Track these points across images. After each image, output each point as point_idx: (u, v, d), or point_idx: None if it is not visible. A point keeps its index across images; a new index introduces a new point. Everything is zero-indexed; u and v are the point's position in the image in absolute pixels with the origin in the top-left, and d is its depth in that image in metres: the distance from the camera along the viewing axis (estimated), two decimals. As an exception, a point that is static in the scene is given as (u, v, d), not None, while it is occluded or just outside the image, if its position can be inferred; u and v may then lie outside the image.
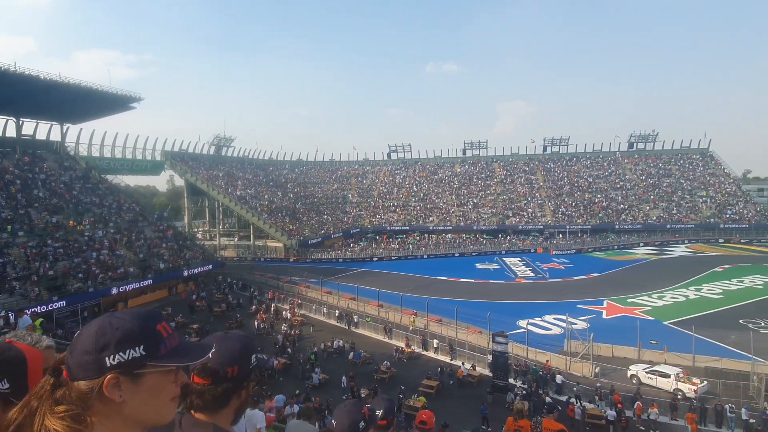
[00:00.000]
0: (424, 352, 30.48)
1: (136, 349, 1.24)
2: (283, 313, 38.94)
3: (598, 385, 23.62)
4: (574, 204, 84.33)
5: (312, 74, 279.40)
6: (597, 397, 22.72)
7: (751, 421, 19.80)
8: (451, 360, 28.78)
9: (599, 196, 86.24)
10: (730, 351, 27.86)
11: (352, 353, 29.12)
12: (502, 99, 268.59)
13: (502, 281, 52.35)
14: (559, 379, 24.38)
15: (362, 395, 22.94)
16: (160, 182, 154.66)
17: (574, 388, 23.21)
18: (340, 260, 66.51)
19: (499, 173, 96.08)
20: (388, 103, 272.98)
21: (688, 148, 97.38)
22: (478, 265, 61.61)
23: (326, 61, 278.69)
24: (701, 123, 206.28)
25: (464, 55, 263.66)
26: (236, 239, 76.33)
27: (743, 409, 20.51)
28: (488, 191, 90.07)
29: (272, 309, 40.09)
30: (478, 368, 26.64)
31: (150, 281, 41.83)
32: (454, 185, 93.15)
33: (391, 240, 78.20)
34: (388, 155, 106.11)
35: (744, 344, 27.15)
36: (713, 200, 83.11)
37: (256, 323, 35.79)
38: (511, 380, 25.12)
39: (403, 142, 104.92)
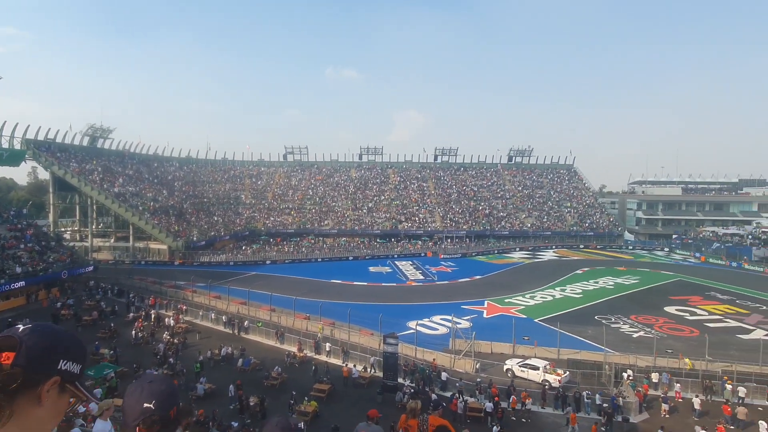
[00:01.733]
0: (317, 356, 30.44)
1: (77, 365, 1.31)
2: (166, 320, 36.31)
3: (479, 380, 25.50)
4: (460, 211, 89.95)
5: (205, 69, 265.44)
6: (477, 391, 24.50)
7: (604, 405, 22.76)
8: (344, 363, 29.12)
9: (483, 204, 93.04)
10: (587, 344, 31.71)
11: (241, 360, 28.11)
12: (398, 108, 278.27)
13: (394, 284, 54.08)
14: (444, 376, 25.88)
15: (251, 403, 22.31)
16: (19, 174, 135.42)
17: (457, 384, 24.80)
18: (231, 263, 63.77)
19: (394, 179, 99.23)
20: (286, 105, 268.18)
21: (557, 164, 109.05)
22: (372, 269, 62.94)
23: (221, 57, 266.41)
24: (568, 142, 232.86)
25: (364, 62, 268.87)
26: (112, 240, 69.40)
27: (597, 395, 23.52)
28: (383, 196, 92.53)
29: (153, 316, 37.14)
30: (369, 369, 27.31)
31: (3, 287, 36.49)
32: (350, 189, 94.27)
33: (285, 243, 76.77)
34: (284, 157, 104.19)
35: (598, 337, 31.15)
36: (576, 210, 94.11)
37: (133, 332, 32.91)
38: (400, 380, 26.10)
39: (300, 145, 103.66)
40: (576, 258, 73.48)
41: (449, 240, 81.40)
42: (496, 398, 22.69)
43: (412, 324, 33.51)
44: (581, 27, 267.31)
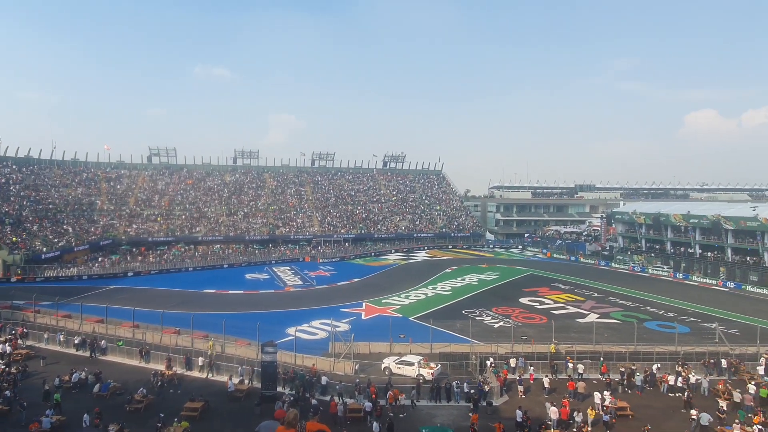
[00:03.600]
0: (189, 372, 28.54)
1: None
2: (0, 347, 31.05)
3: (357, 380, 26.10)
4: (338, 215, 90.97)
5: (48, 48, 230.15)
6: (357, 392, 25.08)
7: (471, 392, 24.81)
8: (213, 376, 27.71)
9: (359, 208, 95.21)
10: (456, 337, 34.24)
11: (98, 385, 25.19)
12: (274, 110, 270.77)
13: (272, 291, 52.83)
14: (324, 380, 26.02)
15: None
16: None
17: (337, 387, 25.14)
18: (85, 277, 56.65)
19: (270, 184, 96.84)
20: (149, 102, 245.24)
21: (427, 170, 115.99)
22: (248, 276, 60.74)
23: (66, 38, 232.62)
24: (437, 149, 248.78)
25: (236, 62, 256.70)
26: None
27: (465, 384, 25.57)
28: (259, 201, 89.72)
29: (-19, 344, 31.45)
30: (247, 381, 26.38)
31: None
32: (224, 194, 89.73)
33: (150, 252, 70.41)
34: (149, 159, 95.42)
35: (465, 330, 33.86)
36: (445, 213, 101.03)
37: (-47, 365, 27.58)
38: (279, 388, 25.65)
39: (167, 146, 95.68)
40: (445, 258, 78.79)
41: (328, 244, 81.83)
42: (374, 396, 23.48)
43: (291, 330, 33.10)
44: (451, 42, 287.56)
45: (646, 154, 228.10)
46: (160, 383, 26.28)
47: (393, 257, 79.41)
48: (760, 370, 28.25)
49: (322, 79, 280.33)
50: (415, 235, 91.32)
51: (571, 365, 28.21)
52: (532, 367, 28.41)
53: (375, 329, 35.58)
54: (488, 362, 28.43)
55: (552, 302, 46.90)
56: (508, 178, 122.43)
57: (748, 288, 54.43)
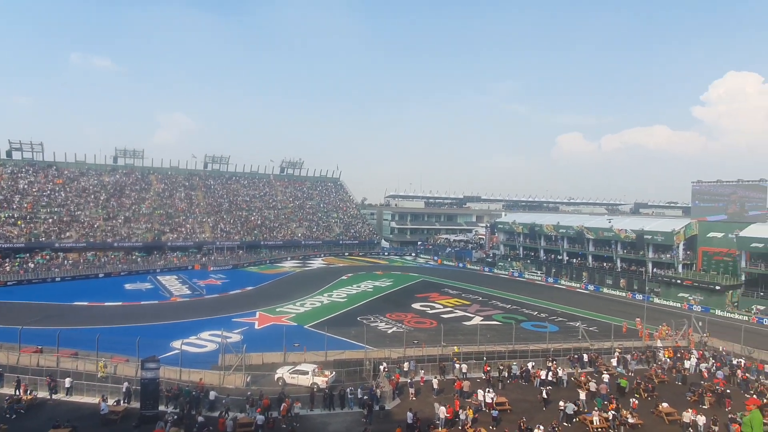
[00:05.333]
0: (53, 396, 25.42)
1: None
2: None
3: (249, 393, 25.23)
4: (232, 221, 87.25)
5: None
6: (248, 405, 24.24)
7: (365, 397, 25.23)
8: (83, 398, 25.06)
9: (255, 214, 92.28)
10: (351, 344, 34.65)
11: (-68, 418, 21.42)
12: (164, 108, 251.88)
13: (156, 301, 49.10)
14: (212, 395, 24.76)
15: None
16: None
17: (223, 401, 24.08)
18: None
19: (157, 186, 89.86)
20: (12, 88, 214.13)
21: (325, 177, 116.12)
22: (128, 286, 55.86)
23: None
24: (335, 156, 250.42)
25: (122, 53, 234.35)
26: None
27: (359, 390, 25.95)
28: (143, 205, 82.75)
29: None
30: (123, 401, 24.18)
31: None
32: (102, 196, 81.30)
33: (7, 260, 61.41)
34: (9, 154, 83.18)
35: (360, 337, 34.46)
36: (342, 221, 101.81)
37: None
38: (162, 407, 23.90)
39: (33, 140, 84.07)
40: (342, 265, 79.31)
41: (220, 251, 78.03)
42: (262, 407, 22.86)
43: (177, 344, 31.06)
44: (352, 53, 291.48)
45: (525, 170, 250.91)
46: (14, 410, 23.07)
47: (289, 265, 78.08)
48: (614, 362, 32.44)
49: (218, 80, 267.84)
50: (311, 242, 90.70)
51: (458, 366, 30.00)
52: (422, 370, 29.69)
53: (269, 339, 34.74)
54: (381, 367, 29.16)
55: (442, 307, 49.44)
56: (404, 188, 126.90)
57: (605, 290, 62.20)
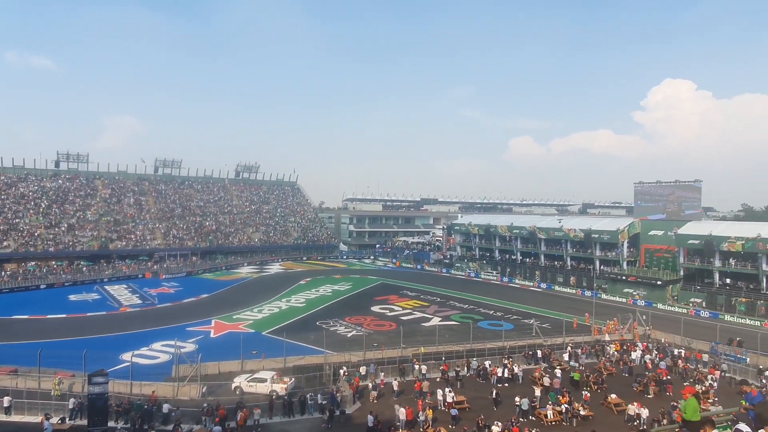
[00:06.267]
0: (-9, 417, 23.80)
1: None
2: None
3: (205, 404, 24.54)
4: (185, 227, 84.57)
5: None
6: (204, 417, 23.59)
7: (324, 402, 25.09)
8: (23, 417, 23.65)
9: (209, 219, 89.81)
10: (311, 349, 34.34)
11: None
12: (110, 111, 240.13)
13: (104, 312, 46.92)
14: (165, 408, 23.92)
15: None
16: None
17: (173, 414, 23.31)
18: None
19: (103, 192, 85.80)
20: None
21: (282, 181, 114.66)
22: (73, 297, 53.14)
23: None
24: (292, 160, 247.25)
25: (63, 53, 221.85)
26: None
27: (319, 395, 25.78)
28: (89, 211, 78.80)
29: None
30: (69, 418, 22.95)
31: None
32: (43, 203, 76.76)
33: (-69, 273, 57.00)
34: (-68, 157, 77.32)
35: (319, 341, 34.20)
36: (299, 225, 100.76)
37: None
38: (111, 423, 22.88)
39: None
40: (300, 269, 78.49)
41: (172, 259, 75.45)
42: (219, 417, 22.33)
43: (127, 356, 29.78)
44: (307, 56, 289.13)
45: (480, 173, 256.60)
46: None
47: (245, 270, 76.51)
48: (566, 357, 33.74)
49: (169, 82, 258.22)
50: (268, 247, 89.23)
51: (417, 367, 30.34)
52: (382, 373, 29.83)
53: (225, 347, 33.94)
54: (341, 371, 29.10)
55: (401, 309, 49.84)
56: (361, 191, 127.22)
57: (556, 288, 64.59)
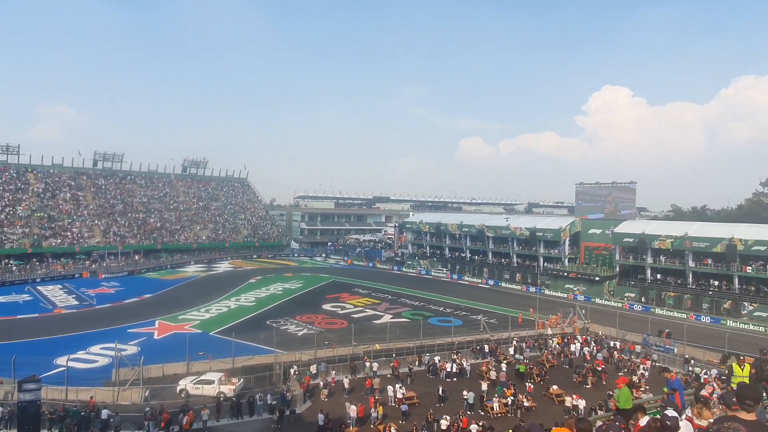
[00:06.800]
0: None
1: None
2: None
3: (147, 409, 23.65)
4: (127, 224, 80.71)
5: None
6: (146, 422, 22.75)
7: (274, 402, 24.80)
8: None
9: (154, 216, 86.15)
10: (260, 348, 33.77)
11: None
12: (44, 99, 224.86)
13: (36, 315, 44.14)
14: (105, 414, 22.85)
15: None
16: None
17: (113, 420, 22.37)
18: None
19: (36, 186, 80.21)
20: None
21: (231, 177, 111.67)
22: (0, 299, 49.54)
23: None
24: (242, 156, 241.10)
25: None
26: None
27: (268, 395, 25.45)
28: (19, 207, 73.53)
29: None
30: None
31: None
32: (-37, 197, 70.99)
33: None
34: None
35: (269, 341, 33.68)
36: (250, 222, 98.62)
37: None
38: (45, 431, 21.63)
39: None
40: (250, 268, 76.88)
41: (113, 257, 71.84)
42: (163, 423, 21.64)
43: (62, 360, 28.14)
44: (259, 50, 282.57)
45: (432, 172, 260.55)
46: None
47: (192, 269, 74.09)
48: (511, 350, 35.03)
49: (111, 72, 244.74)
50: (217, 245, 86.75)
51: (368, 364, 30.56)
52: (333, 371, 29.83)
53: (170, 349, 32.84)
54: (292, 371, 28.88)
55: (352, 307, 49.92)
56: (313, 189, 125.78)
57: (503, 284, 66.78)
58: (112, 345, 29.72)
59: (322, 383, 28.08)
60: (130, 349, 32.41)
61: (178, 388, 26.51)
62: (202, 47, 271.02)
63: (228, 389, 26.15)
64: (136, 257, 74.67)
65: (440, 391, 26.39)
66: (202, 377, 27.27)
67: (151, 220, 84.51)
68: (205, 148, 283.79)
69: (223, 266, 77.99)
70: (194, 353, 30.58)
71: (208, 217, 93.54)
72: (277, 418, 23.28)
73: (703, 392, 10.82)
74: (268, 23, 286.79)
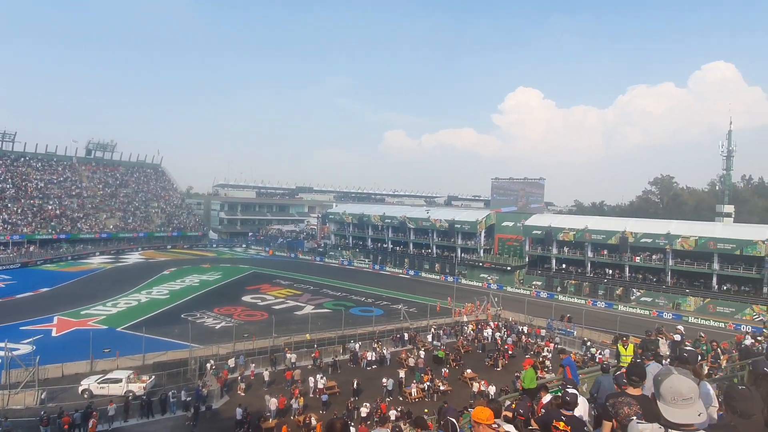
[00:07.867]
0: None
1: None
2: None
3: (42, 412, 21.81)
4: (20, 210, 72.83)
5: None
6: (42, 426, 21.00)
7: (189, 399, 23.89)
8: None
9: (52, 203, 78.48)
10: (174, 343, 32.31)
11: None
12: None
13: None
14: (-7, 420, 20.83)
15: None
16: None
17: (3, 425, 20.46)
18: None
19: None
20: None
21: (143, 162, 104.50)
22: None
23: None
24: (155, 140, 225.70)
25: None
26: None
27: (182, 392, 24.47)
28: None
29: None
30: None
31: None
32: None
33: None
34: None
35: (184, 335, 32.30)
36: (164, 211, 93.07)
37: None
38: None
39: None
40: (163, 259, 72.80)
41: (2, 247, 64.59)
42: (66, 426, 20.16)
43: (-62, 364, 25.14)
44: (177, 29, 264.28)
45: (356, 163, 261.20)
46: None
47: (98, 260, 68.71)
48: (429, 338, 36.44)
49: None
50: (126, 235, 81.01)
51: (289, 356, 30.35)
52: (253, 364, 29.29)
53: (71, 347, 30.41)
54: (208, 365, 28.00)
55: (273, 298, 49.12)
56: (234, 177, 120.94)
57: (423, 274, 68.96)
58: (2, 344, 26.92)
59: (240, 377, 27.51)
60: (24, 348, 29.59)
61: (81, 389, 24.72)
62: (112, 25, 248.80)
63: (137, 387, 24.84)
64: (31, 248, 67.75)
65: (355, 384, 26.06)
66: (108, 376, 25.64)
67: (49, 207, 76.95)
68: (114, 131, 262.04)
69: (134, 257, 73.14)
70: (99, 351, 28.61)
71: (116, 205, 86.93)
72: (191, 415, 22.51)
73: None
74: (190, 9, 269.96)
